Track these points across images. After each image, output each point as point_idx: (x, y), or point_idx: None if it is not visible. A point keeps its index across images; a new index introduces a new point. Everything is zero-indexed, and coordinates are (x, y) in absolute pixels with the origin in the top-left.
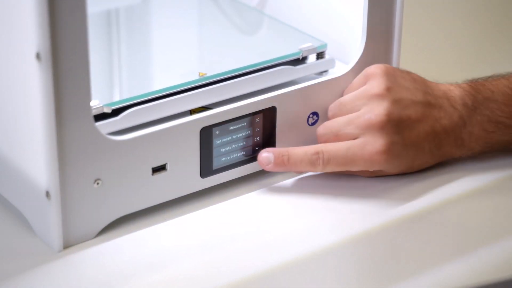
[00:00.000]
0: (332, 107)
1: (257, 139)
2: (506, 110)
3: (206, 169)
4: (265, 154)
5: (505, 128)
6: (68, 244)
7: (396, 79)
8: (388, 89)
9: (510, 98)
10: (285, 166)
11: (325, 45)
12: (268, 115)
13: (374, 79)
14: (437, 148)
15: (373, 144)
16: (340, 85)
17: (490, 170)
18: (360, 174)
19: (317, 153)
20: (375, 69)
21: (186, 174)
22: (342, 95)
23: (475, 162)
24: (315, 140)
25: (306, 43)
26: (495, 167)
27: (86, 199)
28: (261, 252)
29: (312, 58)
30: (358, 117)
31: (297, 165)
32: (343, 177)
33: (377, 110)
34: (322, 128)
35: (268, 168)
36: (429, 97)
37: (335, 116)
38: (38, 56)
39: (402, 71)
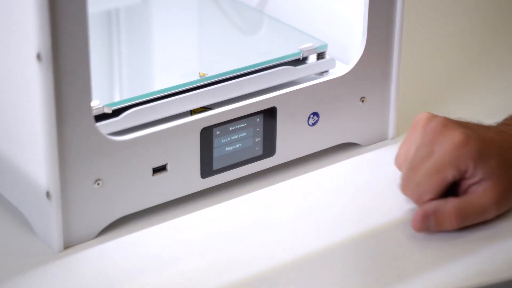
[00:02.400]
0: None
1: (258, 139)
2: None
3: (207, 170)
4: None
5: None
6: (68, 244)
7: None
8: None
9: None
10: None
11: (325, 45)
12: (269, 116)
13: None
14: None
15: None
16: (341, 85)
17: None
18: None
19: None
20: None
21: (186, 175)
22: (342, 97)
23: None
24: (315, 141)
25: (306, 43)
26: None
27: (87, 200)
28: (261, 252)
29: (312, 58)
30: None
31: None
32: (344, 178)
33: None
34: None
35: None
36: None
37: None
38: (38, 56)
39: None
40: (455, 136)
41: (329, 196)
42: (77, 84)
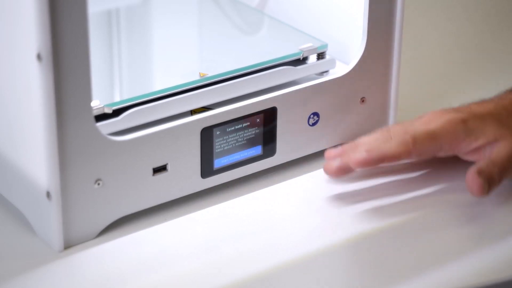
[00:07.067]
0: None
1: (258, 139)
2: None
3: (207, 170)
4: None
5: None
6: (68, 245)
7: None
8: None
9: None
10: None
11: (325, 45)
12: (269, 116)
13: None
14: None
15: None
16: (341, 86)
17: None
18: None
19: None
20: None
21: (186, 175)
22: (342, 97)
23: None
24: (315, 141)
25: (306, 44)
26: None
27: (87, 200)
28: (262, 252)
29: (312, 58)
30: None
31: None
32: (343, 178)
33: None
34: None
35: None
36: None
37: None
38: (39, 56)
39: None
40: (451, 115)
41: (329, 196)
42: (77, 84)
